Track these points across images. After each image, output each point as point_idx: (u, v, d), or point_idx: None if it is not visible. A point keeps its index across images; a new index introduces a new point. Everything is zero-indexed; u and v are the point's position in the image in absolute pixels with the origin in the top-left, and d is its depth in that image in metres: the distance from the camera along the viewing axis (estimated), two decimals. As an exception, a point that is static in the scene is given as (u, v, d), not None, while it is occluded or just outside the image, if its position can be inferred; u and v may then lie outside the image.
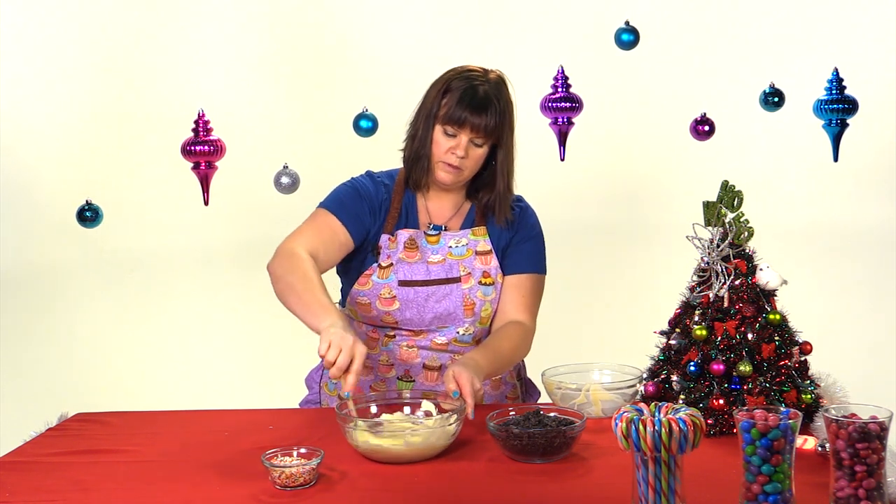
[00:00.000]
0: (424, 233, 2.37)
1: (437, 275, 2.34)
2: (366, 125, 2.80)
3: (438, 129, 2.28)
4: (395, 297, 2.32)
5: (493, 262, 2.38)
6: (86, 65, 3.73)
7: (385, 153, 2.44)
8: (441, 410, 2.02)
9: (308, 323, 2.10)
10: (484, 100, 2.26)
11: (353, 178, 2.40)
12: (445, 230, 2.38)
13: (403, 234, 2.35)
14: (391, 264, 2.33)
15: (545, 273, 2.45)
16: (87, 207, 2.69)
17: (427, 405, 2.05)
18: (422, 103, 2.34)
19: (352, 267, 2.37)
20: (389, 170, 2.43)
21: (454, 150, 2.27)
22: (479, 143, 2.28)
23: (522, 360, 2.51)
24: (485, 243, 2.39)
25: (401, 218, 2.37)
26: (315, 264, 2.21)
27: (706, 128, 2.85)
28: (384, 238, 2.34)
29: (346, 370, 1.98)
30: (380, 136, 2.71)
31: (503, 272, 2.38)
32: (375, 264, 2.34)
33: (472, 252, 2.37)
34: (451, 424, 1.91)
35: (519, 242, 2.41)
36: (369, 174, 2.41)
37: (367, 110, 2.79)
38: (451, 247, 2.37)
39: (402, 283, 2.32)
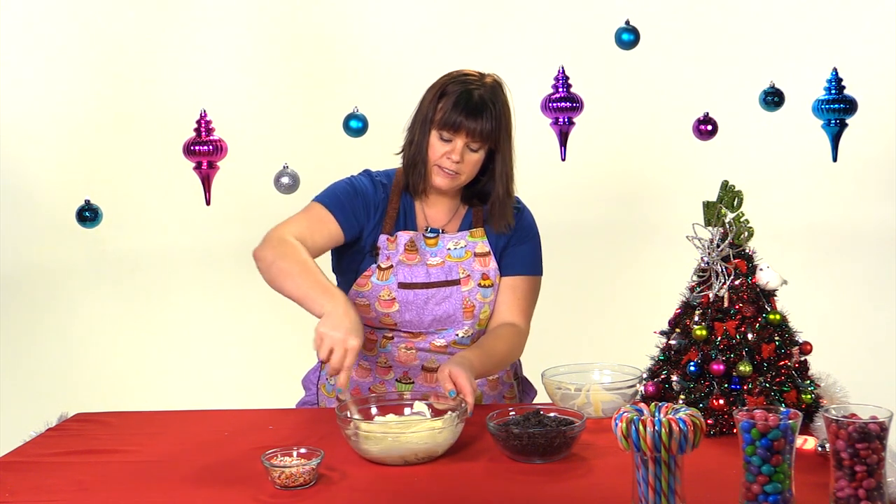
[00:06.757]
0: (423, 235, 2.37)
1: (436, 277, 2.34)
2: (356, 125, 2.80)
3: (434, 134, 2.28)
4: (394, 299, 2.32)
5: (492, 263, 2.38)
6: (86, 65, 3.73)
7: (386, 153, 2.43)
8: (435, 411, 2.02)
9: (308, 308, 2.09)
10: (479, 104, 2.25)
11: (350, 176, 2.40)
12: (443, 233, 2.38)
13: (404, 236, 2.34)
14: (391, 266, 2.33)
15: (541, 274, 2.45)
16: (86, 207, 2.68)
17: (419, 406, 2.04)
18: (418, 108, 2.33)
19: (349, 267, 2.37)
20: (387, 170, 2.43)
21: (450, 155, 2.26)
22: (474, 148, 2.28)
23: (519, 360, 2.51)
24: (483, 245, 2.38)
25: (398, 220, 2.36)
26: (306, 250, 2.20)
27: (709, 127, 2.84)
28: (383, 239, 2.34)
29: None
30: (382, 137, 2.71)
31: (500, 273, 2.38)
32: (375, 265, 2.33)
33: (470, 254, 2.37)
34: (451, 425, 1.90)
35: (516, 244, 2.40)
36: (367, 173, 2.41)
37: (357, 110, 2.79)
38: (449, 249, 2.36)
39: (402, 286, 2.32)
